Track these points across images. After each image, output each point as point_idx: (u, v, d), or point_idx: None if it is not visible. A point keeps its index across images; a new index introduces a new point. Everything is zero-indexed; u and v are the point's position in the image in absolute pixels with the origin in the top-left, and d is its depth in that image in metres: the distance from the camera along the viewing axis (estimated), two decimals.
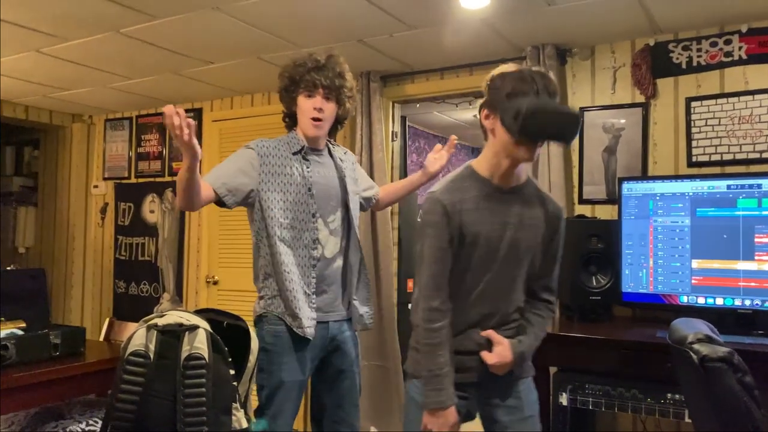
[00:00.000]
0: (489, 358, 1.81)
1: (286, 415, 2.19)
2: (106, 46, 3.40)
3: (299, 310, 2.16)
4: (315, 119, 2.23)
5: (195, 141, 1.84)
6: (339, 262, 2.31)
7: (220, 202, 2.13)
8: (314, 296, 2.21)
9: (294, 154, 2.26)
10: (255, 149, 2.23)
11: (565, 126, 1.70)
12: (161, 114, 4.95)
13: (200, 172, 4.86)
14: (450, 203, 1.75)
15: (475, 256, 1.78)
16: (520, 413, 1.87)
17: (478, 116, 1.83)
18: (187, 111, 4.73)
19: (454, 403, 1.75)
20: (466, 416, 1.87)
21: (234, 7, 2.83)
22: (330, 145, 2.41)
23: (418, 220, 1.83)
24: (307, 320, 2.18)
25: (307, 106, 2.23)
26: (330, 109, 2.26)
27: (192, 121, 1.81)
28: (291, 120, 2.35)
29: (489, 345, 1.83)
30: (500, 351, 1.81)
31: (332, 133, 2.40)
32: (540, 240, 1.86)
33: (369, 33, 3.18)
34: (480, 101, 1.84)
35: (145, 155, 4.98)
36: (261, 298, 2.25)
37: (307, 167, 2.25)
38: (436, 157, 2.60)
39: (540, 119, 1.66)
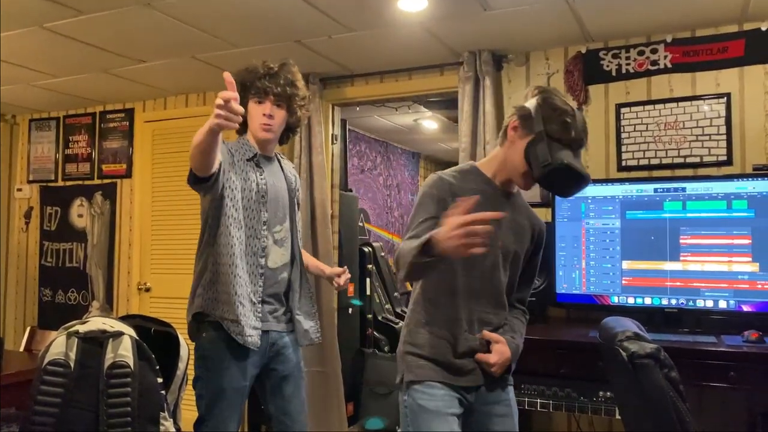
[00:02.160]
0: (489, 357, 1.77)
1: (229, 423, 2.12)
2: (29, 42, 3.23)
3: (243, 317, 2.10)
4: (265, 124, 2.22)
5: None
6: (284, 275, 2.28)
7: (206, 179, 2.00)
8: (259, 305, 2.17)
9: (248, 160, 2.22)
10: (226, 145, 2.16)
11: (576, 188, 1.74)
12: (91, 114, 4.77)
13: (131, 175, 4.66)
14: (452, 184, 1.76)
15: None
16: (510, 422, 1.84)
17: (507, 121, 1.79)
18: (117, 111, 4.61)
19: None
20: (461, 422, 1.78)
21: (166, 4, 2.74)
22: (279, 157, 2.40)
23: (417, 194, 1.83)
24: (250, 329, 2.12)
25: (256, 112, 2.22)
26: (280, 115, 2.24)
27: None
28: (241, 125, 2.25)
29: (484, 348, 1.79)
30: (499, 348, 1.78)
31: (282, 141, 2.38)
32: (524, 250, 1.87)
33: (307, 34, 3.15)
34: None
35: (74, 157, 4.77)
36: (198, 296, 2.14)
37: (260, 174, 2.23)
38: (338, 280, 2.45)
39: (562, 178, 1.68)
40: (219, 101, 1.72)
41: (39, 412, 1.66)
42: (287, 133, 2.36)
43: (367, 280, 4.59)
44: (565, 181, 1.69)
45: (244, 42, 3.24)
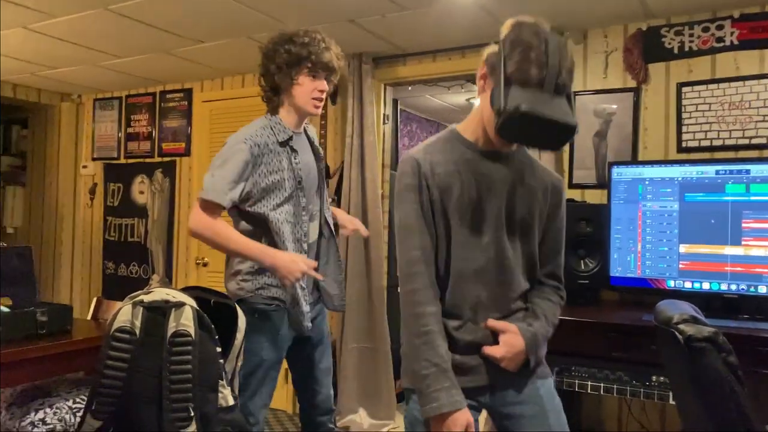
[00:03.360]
0: (495, 350, 1.51)
1: (265, 394, 2.20)
2: (94, 24, 3.35)
3: (301, 305, 2.17)
4: (318, 100, 2.20)
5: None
6: (315, 246, 2.31)
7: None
8: (308, 289, 2.22)
9: (281, 145, 2.18)
10: (248, 148, 2.12)
11: (552, 138, 1.44)
12: (152, 94, 4.92)
13: (190, 153, 4.78)
14: (426, 162, 1.50)
15: (459, 229, 1.51)
16: (544, 421, 1.54)
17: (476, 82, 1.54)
18: (177, 91, 4.74)
19: (464, 403, 1.43)
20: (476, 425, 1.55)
21: None
22: (305, 127, 2.36)
23: (394, 188, 1.56)
24: (305, 315, 2.19)
25: (310, 87, 2.17)
26: (326, 90, 2.24)
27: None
28: (276, 99, 2.23)
29: (492, 340, 1.54)
30: (507, 339, 1.52)
31: None
32: (536, 214, 1.59)
33: (361, 13, 3.16)
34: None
35: (135, 136, 4.94)
36: (242, 281, 2.20)
37: (295, 159, 2.20)
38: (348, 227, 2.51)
39: (524, 126, 1.38)
40: (305, 268, 1.98)
41: (108, 375, 1.75)
42: None
43: None
44: (531, 130, 1.39)
45: (299, 22, 3.25)
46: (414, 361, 1.47)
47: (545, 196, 1.61)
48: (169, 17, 3.25)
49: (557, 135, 1.42)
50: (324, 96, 2.22)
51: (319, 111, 2.24)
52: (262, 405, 2.20)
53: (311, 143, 2.35)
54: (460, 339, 1.52)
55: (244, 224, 2.18)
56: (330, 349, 2.44)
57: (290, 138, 2.19)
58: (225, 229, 2.10)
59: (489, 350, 1.52)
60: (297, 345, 2.30)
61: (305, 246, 2.22)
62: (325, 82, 2.20)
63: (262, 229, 2.16)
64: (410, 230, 1.49)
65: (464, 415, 1.42)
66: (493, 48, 1.46)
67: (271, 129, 2.18)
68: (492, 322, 1.54)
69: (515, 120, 1.36)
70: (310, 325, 2.21)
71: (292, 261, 2.04)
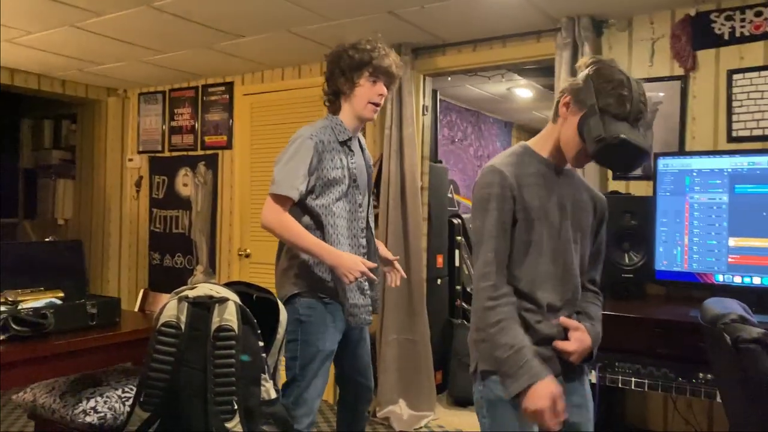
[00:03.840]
0: (568, 345, 1.65)
1: (319, 385, 2.27)
2: (139, 21, 3.42)
3: (356, 300, 2.29)
4: (377, 104, 2.29)
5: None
6: (364, 244, 2.39)
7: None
8: (366, 285, 2.32)
9: (341, 144, 2.30)
10: (314, 144, 2.23)
11: (635, 164, 1.65)
12: (194, 88, 5.02)
13: (232, 146, 4.87)
14: (511, 174, 1.64)
15: (537, 235, 1.66)
16: (586, 412, 1.74)
17: (557, 97, 1.71)
18: (218, 85, 4.81)
19: (548, 372, 1.56)
20: None
21: None
22: (359, 135, 2.47)
23: (474, 195, 1.69)
24: (362, 308, 2.31)
25: (372, 91, 2.28)
26: (385, 95, 2.33)
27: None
28: (337, 102, 2.35)
29: (562, 335, 1.68)
30: (579, 336, 1.67)
31: None
32: (590, 226, 1.79)
33: (400, 4, 3.14)
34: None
35: (178, 129, 5.04)
36: (296, 277, 2.27)
37: (351, 159, 2.32)
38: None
39: (618, 153, 1.57)
40: (363, 269, 2.08)
41: (155, 368, 1.81)
42: None
43: (456, 251, 4.59)
44: (622, 156, 1.59)
45: (338, 15, 3.28)
46: (492, 349, 1.60)
47: (594, 210, 1.81)
48: (210, 13, 3.30)
49: (638, 160, 1.62)
50: (382, 101, 2.30)
51: (375, 116, 2.34)
52: (317, 395, 2.28)
53: (362, 150, 2.45)
54: (540, 331, 1.65)
55: (305, 218, 2.28)
56: (369, 343, 2.52)
57: (349, 138, 2.32)
58: (294, 225, 2.21)
59: (562, 345, 1.65)
60: (345, 339, 2.38)
61: (362, 241, 2.32)
62: (384, 88, 2.29)
63: (319, 223, 2.26)
64: (490, 236, 1.62)
65: (547, 385, 1.53)
66: (575, 80, 1.66)
67: (332, 129, 2.31)
68: (565, 320, 1.68)
69: (614, 147, 1.55)
70: (370, 318, 2.33)
71: (354, 262, 2.15)
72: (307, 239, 2.19)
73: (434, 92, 4.37)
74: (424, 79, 4.00)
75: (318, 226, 2.26)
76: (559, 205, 1.69)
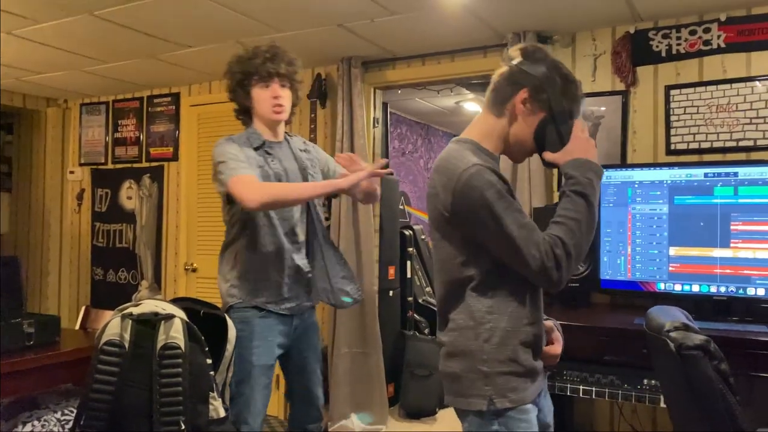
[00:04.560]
0: (557, 348, 1.61)
1: (258, 401, 2.22)
2: (80, 29, 3.32)
3: (281, 297, 2.23)
4: (276, 106, 2.26)
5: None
6: (303, 250, 2.35)
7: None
8: (289, 284, 2.27)
9: (255, 149, 2.27)
10: (233, 143, 2.25)
11: None
12: (139, 99, 4.90)
13: (178, 158, 4.78)
14: (495, 168, 1.48)
15: None
16: (550, 411, 1.68)
17: (512, 95, 1.53)
18: (164, 96, 4.71)
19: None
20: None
21: None
22: (288, 137, 2.43)
23: (478, 199, 1.43)
24: (287, 303, 2.26)
25: (265, 96, 2.26)
26: (287, 96, 2.29)
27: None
28: (246, 115, 2.36)
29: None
30: (557, 336, 1.64)
31: (286, 121, 2.41)
32: None
33: (350, 18, 3.14)
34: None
35: (122, 140, 4.90)
36: (233, 288, 2.26)
37: (272, 160, 2.28)
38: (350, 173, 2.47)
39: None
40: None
41: (96, 389, 1.73)
42: (292, 112, 2.40)
43: (408, 262, 4.60)
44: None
45: (287, 26, 3.26)
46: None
47: None
48: (156, 22, 3.23)
49: None
50: (281, 101, 2.26)
51: (282, 115, 2.30)
52: (257, 412, 2.22)
53: (294, 153, 2.39)
54: (540, 344, 1.55)
55: (235, 212, 2.25)
56: (320, 358, 2.48)
57: (263, 144, 2.29)
58: (282, 184, 2.23)
59: (554, 349, 1.60)
60: (288, 353, 2.34)
61: (288, 247, 2.27)
62: (278, 87, 2.25)
63: (250, 219, 2.23)
64: (531, 227, 1.44)
65: None
66: (532, 72, 1.52)
67: (247, 139, 2.29)
68: (548, 322, 1.62)
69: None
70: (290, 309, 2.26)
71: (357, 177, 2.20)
72: (305, 186, 2.25)
73: (384, 105, 4.40)
74: (375, 92, 4.01)
75: (246, 224, 2.23)
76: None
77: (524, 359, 1.47)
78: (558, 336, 1.64)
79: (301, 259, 2.32)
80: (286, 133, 2.42)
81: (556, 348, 1.61)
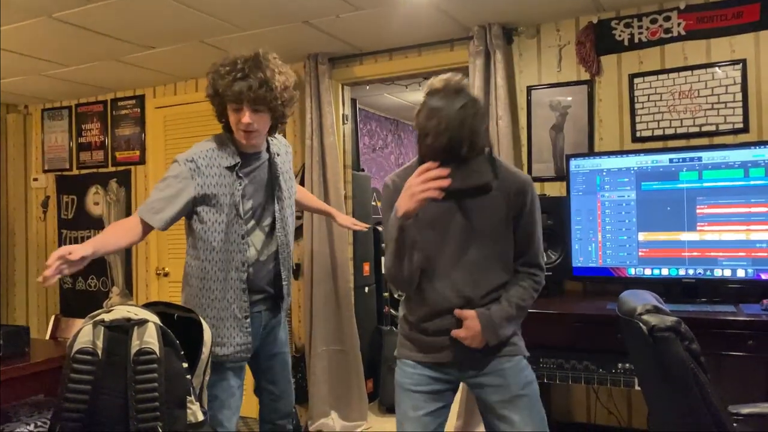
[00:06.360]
0: (458, 332, 1.82)
1: (233, 404, 2.22)
2: (38, 32, 3.24)
3: (227, 339, 2.18)
4: (245, 132, 2.12)
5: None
6: (272, 263, 2.29)
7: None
8: (246, 320, 2.20)
9: (227, 168, 2.15)
10: (185, 166, 2.13)
11: None
12: (102, 102, 4.79)
13: (145, 161, 4.69)
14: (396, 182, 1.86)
15: (426, 237, 1.81)
16: (506, 392, 1.85)
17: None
18: (128, 98, 4.62)
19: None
20: (447, 395, 1.93)
21: None
22: (269, 141, 2.31)
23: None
24: (235, 347, 2.19)
25: (235, 120, 2.11)
26: (261, 119, 2.11)
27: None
28: (227, 125, 2.20)
29: (458, 325, 1.85)
30: (468, 323, 1.82)
31: (272, 131, 2.27)
32: (497, 221, 1.85)
33: (315, 14, 3.12)
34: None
35: (87, 145, 4.80)
36: (188, 298, 2.25)
37: (240, 184, 2.16)
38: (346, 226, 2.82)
39: None
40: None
41: (70, 399, 1.70)
42: (276, 125, 2.23)
43: (382, 259, 4.60)
44: None
45: (252, 25, 3.23)
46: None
47: (509, 202, 1.93)
48: (117, 24, 3.16)
49: None
50: (251, 128, 2.09)
51: (253, 141, 2.14)
52: (231, 414, 2.21)
53: (272, 162, 2.29)
54: (436, 325, 1.88)
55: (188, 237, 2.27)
56: (289, 356, 2.49)
57: (236, 165, 2.16)
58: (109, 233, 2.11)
59: (455, 333, 1.84)
60: (257, 353, 2.33)
61: (243, 276, 2.19)
62: (248, 114, 2.06)
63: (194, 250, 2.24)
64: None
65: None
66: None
67: (221, 153, 2.16)
68: (458, 312, 1.84)
69: None
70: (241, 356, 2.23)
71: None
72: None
73: (353, 101, 4.38)
74: (343, 88, 4.00)
75: (191, 244, 2.27)
76: (447, 209, 1.89)
77: None
78: (467, 323, 1.83)
79: (270, 271, 2.31)
80: (268, 137, 2.30)
81: (457, 332, 1.84)
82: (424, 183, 1.59)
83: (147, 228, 2.11)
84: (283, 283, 2.31)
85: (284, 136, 3.87)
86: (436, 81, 1.75)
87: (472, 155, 1.64)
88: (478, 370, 1.88)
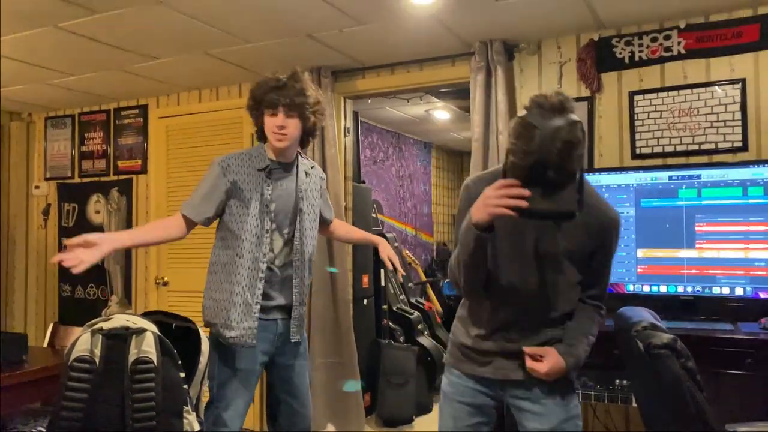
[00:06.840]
0: (539, 367, 1.72)
1: (239, 405, 2.22)
2: (44, 41, 3.27)
3: (235, 322, 2.21)
4: (277, 134, 2.31)
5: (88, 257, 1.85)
6: (288, 271, 2.36)
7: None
8: (256, 306, 2.25)
9: (258, 170, 2.33)
10: (219, 165, 2.32)
11: None
12: (105, 111, 4.83)
13: (147, 171, 4.72)
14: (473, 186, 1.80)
15: (497, 249, 1.73)
16: (545, 422, 1.76)
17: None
18: (131, 108, 4.65)
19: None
20: (489, 411, 1.89)
21: (178, 0, 2.76)
22: (299, 158, 2.46)
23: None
24: (242, 330, 2.21)
25: (270, 124, 2.31)
26: (293, 124, 2.31)
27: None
28: (261, 134, 2.41)
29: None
30: (550, 360, 1.73)
31: (303, 145, 2.45)
32: (573, 250, 1.75)
33: (318, 28, 3.15)
34: None
35: (89, 154, 4.82)
36: (205, 301, 2.28)
37: (268, 185, 2.33)
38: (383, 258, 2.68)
39: None
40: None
41: (67, 407, 1.70)
42: (307, 137, 2.43)
43: (381, 271, 4.61)
44: None
45: (256, 37, 3.26)
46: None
47: (591, 233, 1.84)
48: (122, 34, 3.19)
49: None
50: (281, 131, 2.29)
51: (283, 143, 2.32)
52: (237, 416, 2.22)
53: (298, 177, 2.42)
54: (484, 345, 1.85)
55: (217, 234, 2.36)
56: (306, 369, 2.47)
57: (267, 167, 2.34)
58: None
59: (533, 366, 1.75)
60: (274, 362, 2.35)
61: (264, 266, 2.27)
62: (281, 118, 2.28)
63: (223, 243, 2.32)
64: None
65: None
66: None
67: (253, 157, 2.37)
68: (531, 350, 1.78)
69: None
70: (247, 341, 2.23)
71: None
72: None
73: (355, 114, 4.41)
74: (345, 101, 4.02)
75: (218, 239, 2.36)
76: (522, 226, 1.79)
77: None
78: (550, 360, 1.75)
79: (285, 279, 2.35)
80: (298, 153, 2.46)
81: (539, 366, 1.74)
82: (499, 198, 1.49)
83: (190, 223, 2.29)
84: (294, 290, 2.35)
85: None
86: (539, 96, 1.58)
87: (560, 180, 1.50)
88: (523, 391, 1.80)
